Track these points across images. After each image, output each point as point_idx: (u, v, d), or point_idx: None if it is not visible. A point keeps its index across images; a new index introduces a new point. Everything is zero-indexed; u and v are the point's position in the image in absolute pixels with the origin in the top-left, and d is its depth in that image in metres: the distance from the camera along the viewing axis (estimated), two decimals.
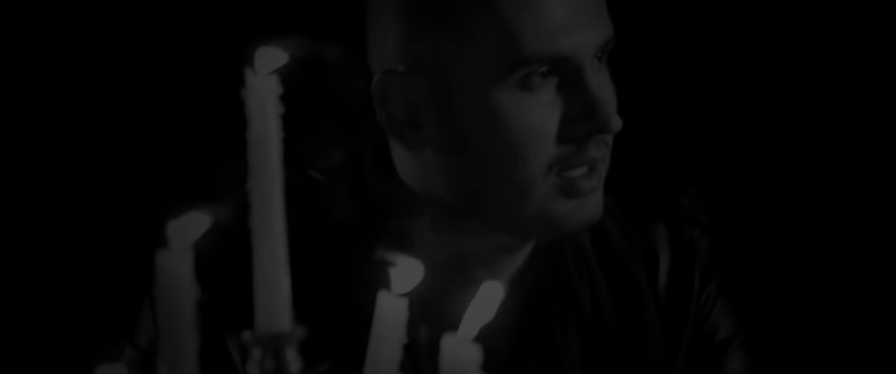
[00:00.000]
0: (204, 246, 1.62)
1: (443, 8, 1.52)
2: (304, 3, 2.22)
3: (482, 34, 1.51)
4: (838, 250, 2.52)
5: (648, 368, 1.69)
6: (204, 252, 1.60)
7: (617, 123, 1.54)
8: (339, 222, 1.63)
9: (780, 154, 2.53)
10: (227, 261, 1.57)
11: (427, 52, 1.54)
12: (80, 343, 2.31)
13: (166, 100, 2.45)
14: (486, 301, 1.00)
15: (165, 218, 0.93)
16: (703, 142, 2.53)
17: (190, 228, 0.91)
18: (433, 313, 1.63)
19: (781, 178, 2.54)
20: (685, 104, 2.52)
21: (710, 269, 1.76)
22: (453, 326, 0.97)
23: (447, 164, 1.57)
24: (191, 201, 0.96)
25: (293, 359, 0.95)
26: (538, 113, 1.53)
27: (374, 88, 1.57)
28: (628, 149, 1.67)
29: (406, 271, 1.01)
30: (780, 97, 2.52)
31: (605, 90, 1.55)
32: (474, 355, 0.96)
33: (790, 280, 2.53)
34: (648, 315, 1.69)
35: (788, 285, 2.53)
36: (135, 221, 2.21)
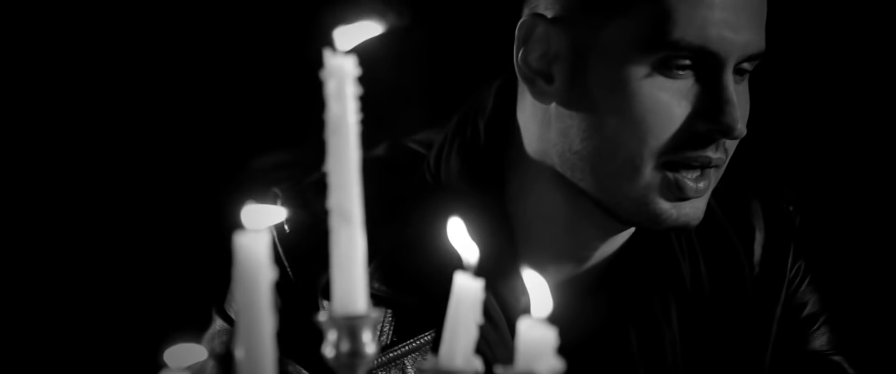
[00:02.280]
0: (283, 228, 1.63)
1: None
2: None
3: (638, 6, 1.51)
4: None
5: (746, 340, 1.68)
6: (283, 233, 1.62)
7: (741, 129, 1.52)
8: (445, 189, 1.63)
9: (871, 134, 2.50)
10: (305, 243, 1.59)
11: (579, 7, 1.54)
12: (173, 316, 2.33)
13: (235, 83, 2.46)
14: (540, 292, 0.99)
15: (239, 201, 0.93)
16: (796, 125, 2.51)
17: (262, 214, 0.91)
18: (506, 295, 1.63)
19: (872, 159, 2.51)
20: (778, 91, 2.50)
21: (802, 245, 1.75)
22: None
23: (567, 124, 1.57)
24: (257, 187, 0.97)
25: (369, 341, 0.95)
26: (667, 97, 1.52)
27: (519, 27, 1.58)
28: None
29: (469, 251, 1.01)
30: (870, 82, 2.49)
31: (740, 97, 1.54)
32: (550, 337, 0.96)
33: (878, 256, 2.51)
34: (747, 289, 1.69)
35: (876, 260, 2.50)
36: (217, 198, 2.23)
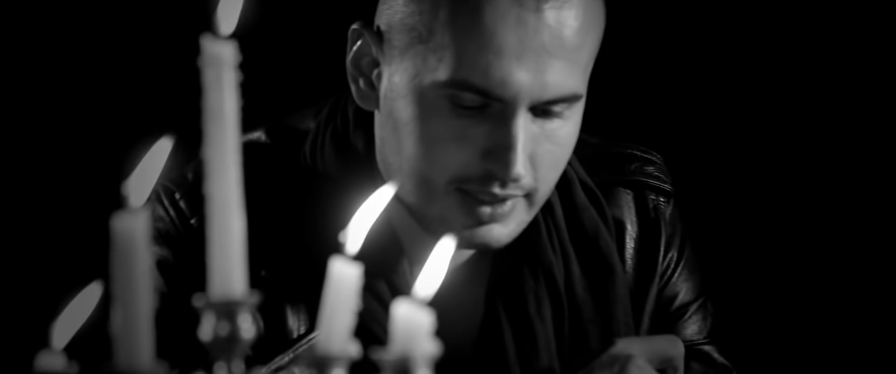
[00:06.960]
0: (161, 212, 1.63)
1: None
2: None
3: (436, 40, 1.54)
4: (798, 214, 2.53)
5: (618, 337, 1.70)
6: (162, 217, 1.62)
7: (518, 175, 1.54)
8: (325, 177, 1.65)
9: (739, 117, 2.54)
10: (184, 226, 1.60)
11: (393, 25, 1.57)
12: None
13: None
14: (441, 259, 1.01)
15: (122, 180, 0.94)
16: (663, 106, 2.54)
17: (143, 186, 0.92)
18: (396, 280, 1.64)
19: (740, 141, 2.54)
20: (646, 69, 2.53)
21: (673, 235, 1.77)
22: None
23: (382, 135, 1.62)
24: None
25: (247, 326, 0.96)
26: (457, 131, 1.55)
27: (351, 32, 1.61)
28: (595, 115, 1.68)
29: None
30: (740, 63, 2.53)
31: (539, 139, 1.55)
32: (425, 320, 0.97)
33: (748, 245, 2.54)
34: (618, 290, 1.71)
35: (746, 250, 2.54)
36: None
